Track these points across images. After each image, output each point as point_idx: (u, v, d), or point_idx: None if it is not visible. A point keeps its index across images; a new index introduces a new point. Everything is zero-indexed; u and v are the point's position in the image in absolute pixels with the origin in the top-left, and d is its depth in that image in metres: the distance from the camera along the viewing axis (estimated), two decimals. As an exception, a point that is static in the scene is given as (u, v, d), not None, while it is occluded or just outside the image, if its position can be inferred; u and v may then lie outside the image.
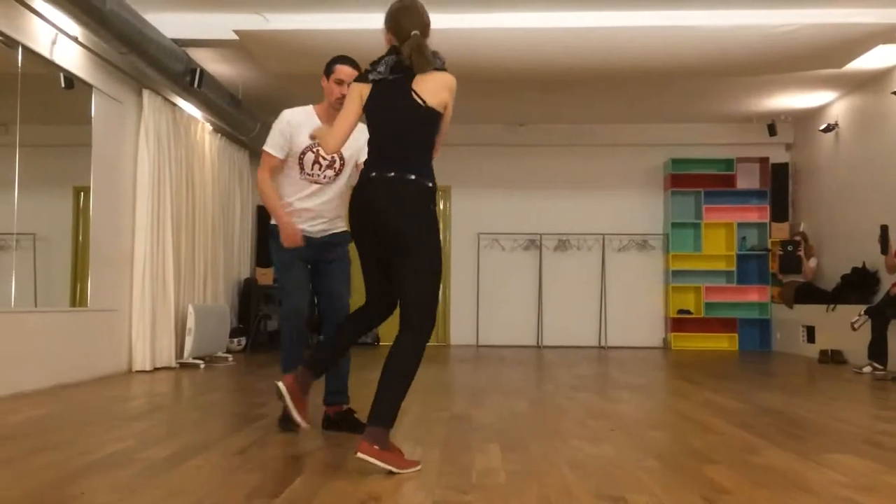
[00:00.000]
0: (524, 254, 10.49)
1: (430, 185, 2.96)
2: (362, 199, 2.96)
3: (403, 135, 2.96)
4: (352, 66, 3.58)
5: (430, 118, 2.95)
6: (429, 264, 2.91)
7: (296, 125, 3.59)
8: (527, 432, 3.65)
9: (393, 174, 2.91)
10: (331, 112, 3.55)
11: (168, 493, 2.46)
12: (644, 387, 5.67)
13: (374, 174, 2.93)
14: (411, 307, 2.89)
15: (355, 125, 3.06)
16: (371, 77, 2.98)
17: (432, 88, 2.93)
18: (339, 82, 3.55)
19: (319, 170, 3.61)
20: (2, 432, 3.57)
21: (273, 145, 3.61)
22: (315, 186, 3.63)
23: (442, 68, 2.99)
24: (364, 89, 3.00)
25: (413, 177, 2.91)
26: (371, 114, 3.01)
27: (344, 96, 3.40)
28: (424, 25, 2.98)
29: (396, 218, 2.89)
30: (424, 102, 2.92)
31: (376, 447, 2.75)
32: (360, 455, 2.73)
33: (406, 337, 2.88)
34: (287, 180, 3.65)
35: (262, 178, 3.63)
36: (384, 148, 2.98)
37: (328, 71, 3.61)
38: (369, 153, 3.03)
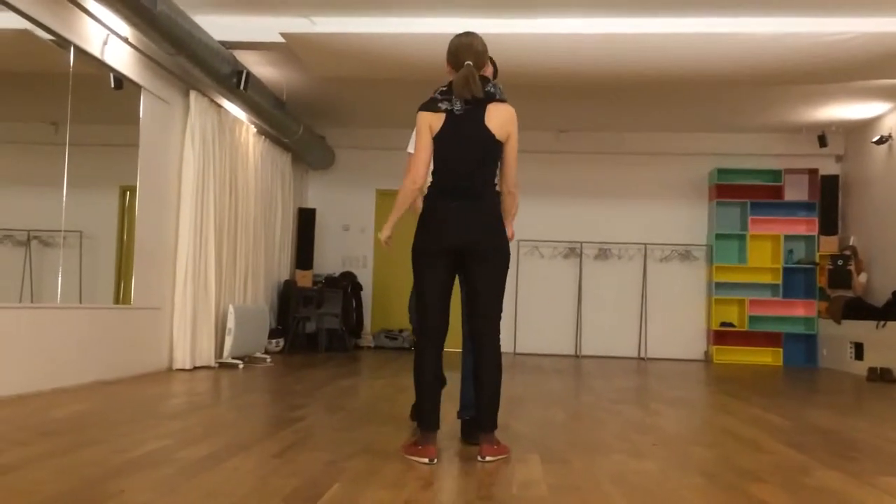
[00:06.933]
0: (564, 262, 10.39)
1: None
2: (453, 223, 3.13)
3: (480, 166, 3.16)
4: None
5: (499, 150, 3.20)
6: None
7: None
8: (567, 444, 3.58)
9: (479, 204, 3.16)
10: None
11: (205, 494, 2.45)
12: (686, 401, 5.54)
13: (455, 203, 3.13)
14: (492, 319, 3.19)
15: (431, 153, 3.21)
16: (443, 108, 3.16)
17: (500, 122, 3.15)
18: None
19: None
20: (44, 427, 3.60)
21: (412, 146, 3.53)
22: None
23: (503, 99, 3.20)
24: (434, 118, 3.16)
25: (496, 208, 3.22)
26: (442, 144, 3.16)
27: None
28: (477, 55, 3.18)
29: (486, 240, 3.16)
30: (494, 135, 3.13)
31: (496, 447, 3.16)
32: (489, 458, 3.10)
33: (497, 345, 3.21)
34: None
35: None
36: (462, 177, 3.15)
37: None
38: (440, 181, 3.18)
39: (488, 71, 3.40)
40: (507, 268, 3.23)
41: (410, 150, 3.62)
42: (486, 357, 3.17)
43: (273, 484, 2.63)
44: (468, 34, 3.25)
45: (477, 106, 3.15)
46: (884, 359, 7.82)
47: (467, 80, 3.11)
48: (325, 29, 6.34)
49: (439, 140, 3.16)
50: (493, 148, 3.16)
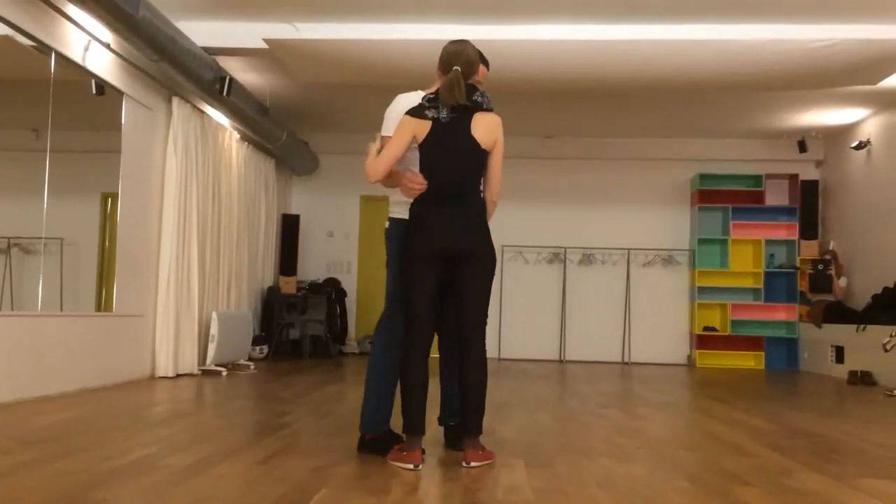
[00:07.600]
0: (548, 267, 10.42)
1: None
2: (446, 228, 3.14)
3: (466, 174, 3.17)
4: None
5: (485, 158, 3.22)
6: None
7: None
8: (553, 449, 3.59)
9: (467, 210, 3.17)
10: None
11: (192, 501, 2.44)
12: (671, 405, 5.57)
13: (445, 209, 3.14)
14: (479, 323, 3.20)
15: (401, 156, 3.19)
16: (430, 115, 3.15)
17: (486, 132, 3.17)
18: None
19: None
20: (28, 436, 3.57)
21: (388, 129, 3.33)
22: None
23: (490, 108, 3.21)
24: (419, 126, 3.15)
25: (483, 214, 3.25)
26: (429, 152, 3.17)
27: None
28: (467, 64, 3.18)
29: (475, 245, 3.18)
30: (480, 145, 3.15)
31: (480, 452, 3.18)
32: (473, 464, 3.12)
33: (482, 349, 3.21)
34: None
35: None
36: (450, 184, 3.16)
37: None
38: (428, 187, 3.16)
39: (482, 75, 3.39)
40: (494, 273, 3.25)
41: (383, 133, 3.35)
42: (472, 361, 3.17)
43: (260, 490, 2.62)
44: (461, 41, 3.25)
45: (463, 115, 3.16)
46: (864, 362, 7.90)
47: (452, 86, 3.12)
48: (308, 35, 6.34)
49: (426, 147, 3.17)
50: (479, 157, 3.19)
